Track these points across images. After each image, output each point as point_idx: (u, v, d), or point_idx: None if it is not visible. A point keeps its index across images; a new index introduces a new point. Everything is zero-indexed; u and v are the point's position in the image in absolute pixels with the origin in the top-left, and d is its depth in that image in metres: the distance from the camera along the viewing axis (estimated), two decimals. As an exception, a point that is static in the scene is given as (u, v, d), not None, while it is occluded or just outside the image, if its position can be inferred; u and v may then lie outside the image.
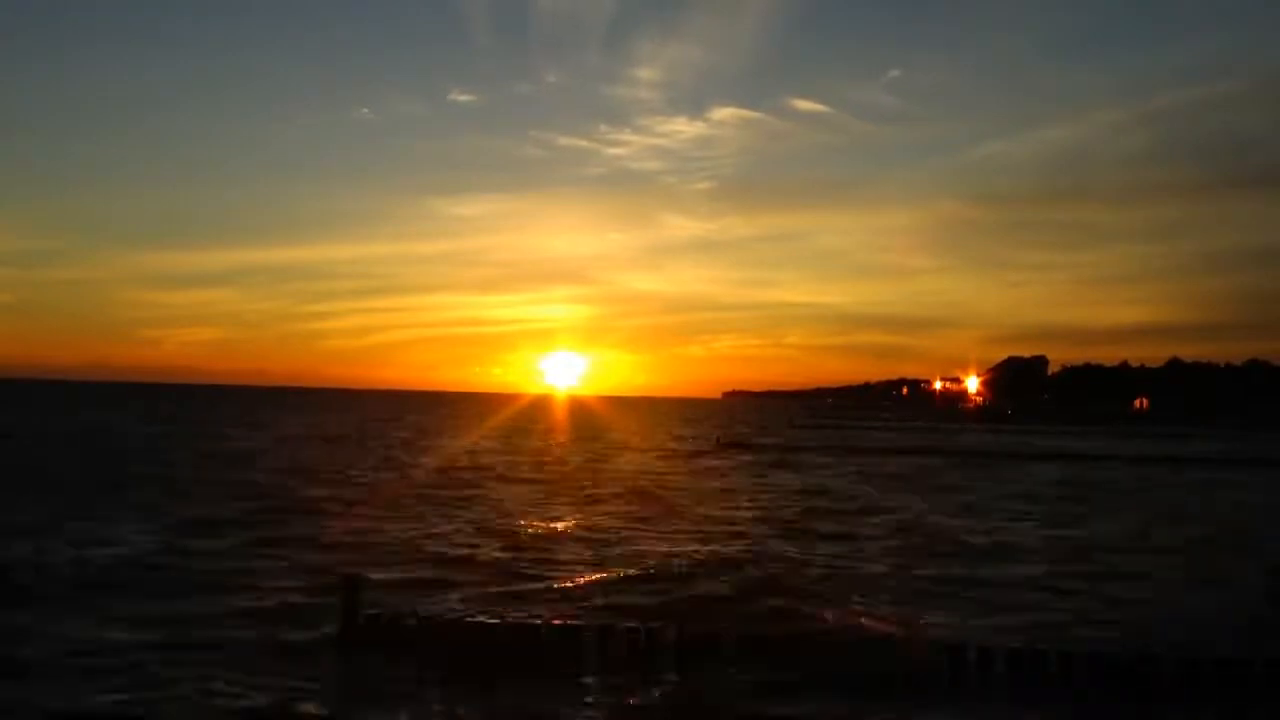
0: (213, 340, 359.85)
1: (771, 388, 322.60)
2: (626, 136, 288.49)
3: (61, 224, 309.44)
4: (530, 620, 12.86)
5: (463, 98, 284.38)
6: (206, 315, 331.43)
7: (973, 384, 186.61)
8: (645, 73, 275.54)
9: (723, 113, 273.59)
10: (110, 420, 76.34)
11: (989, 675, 11.07)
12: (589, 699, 10.50)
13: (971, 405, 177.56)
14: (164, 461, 38.82)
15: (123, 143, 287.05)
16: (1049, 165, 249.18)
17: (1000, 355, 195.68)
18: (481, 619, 12.72)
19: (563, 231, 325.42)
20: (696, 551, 19.42)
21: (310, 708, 10.03)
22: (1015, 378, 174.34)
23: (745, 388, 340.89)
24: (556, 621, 12.68)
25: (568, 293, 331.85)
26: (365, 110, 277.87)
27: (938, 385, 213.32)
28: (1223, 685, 10.81)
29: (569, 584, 16.15)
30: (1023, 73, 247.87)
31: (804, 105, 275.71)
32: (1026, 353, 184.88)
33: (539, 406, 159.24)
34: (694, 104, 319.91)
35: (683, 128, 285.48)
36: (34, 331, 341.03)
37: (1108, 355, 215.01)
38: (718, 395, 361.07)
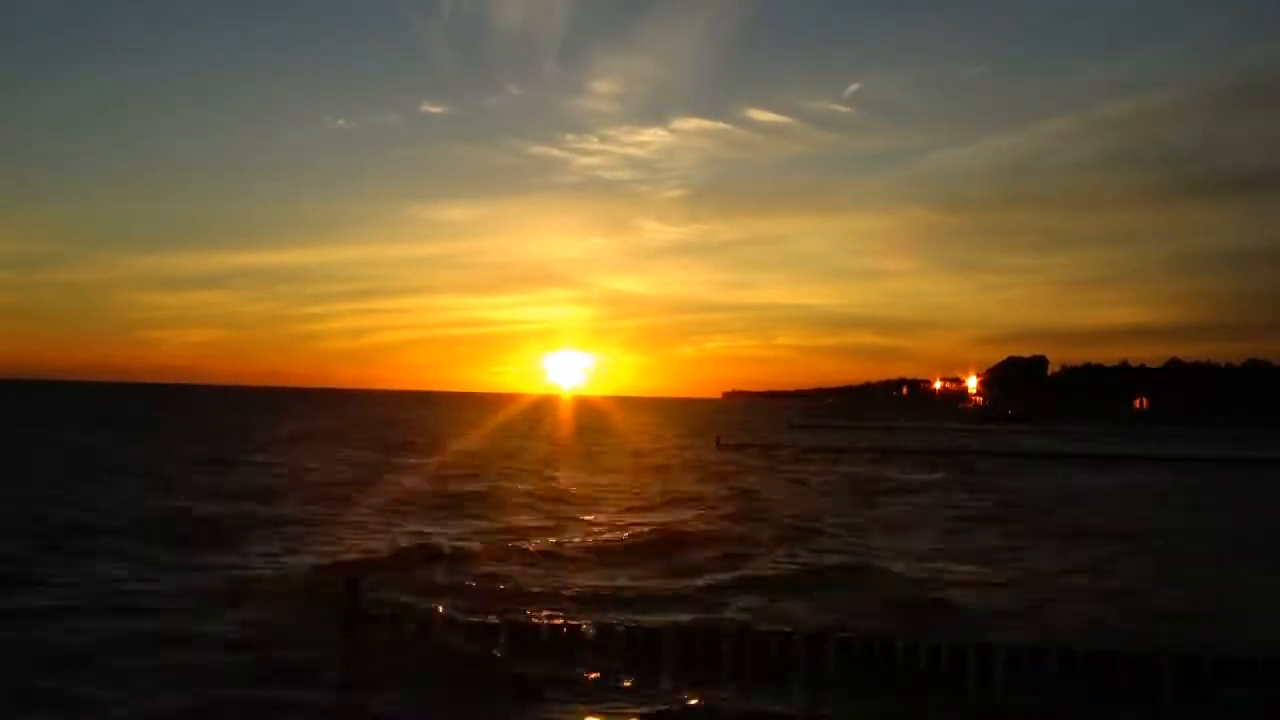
0: (211, 341, 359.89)
1: (770, 388, 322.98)
2: (595, 146, 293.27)
3: (61, 228, 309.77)
4: (529, 620, 12.89)
5: (434, 109, 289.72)
6: (204, 317, 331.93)
7: (973, 384, 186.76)
8: (603, 85, 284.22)
9: (686, 123, 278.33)
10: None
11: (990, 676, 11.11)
12: (586, 697, 10.53)
13: (971, 405, 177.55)
14: None
15: (120, 149, 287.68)
16: (1005, 173, 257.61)
17: (990, 355, 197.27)
18: (480, 619, 12.74)
19: (547, 236, 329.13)
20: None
21: (312, 703, 10.07)
22: (1015, 378, 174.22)
23: (745, 388, 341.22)
24: (557, 621, 12.71)
25: (558, 295, 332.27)
26: (341, 121, 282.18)
27: (937, 385, 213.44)
28: (1222, 685, 10.83)
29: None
30: (972, 85, 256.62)
31: (763, 116, 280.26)
32: (1016, 353, 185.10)
33: (541, 408, 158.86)
34: (654, 115, 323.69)
35: (649, 138, 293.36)
36: (35, 333, 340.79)
37: (1097, 355, 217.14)
38: (718, 395, 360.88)
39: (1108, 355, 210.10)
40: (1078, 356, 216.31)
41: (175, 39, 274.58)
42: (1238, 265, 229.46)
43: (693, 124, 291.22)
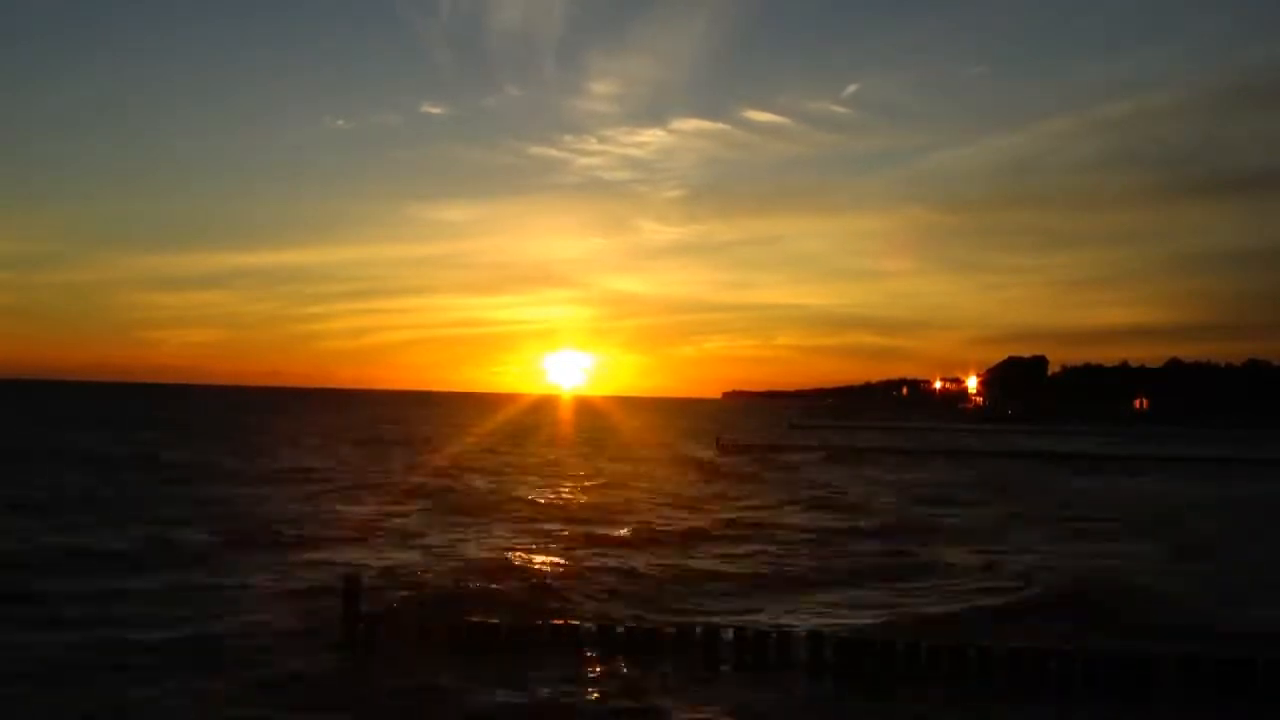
0: (211, 341, 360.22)
1: (770, 388, 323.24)
2: (594, 146, 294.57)
3: (61, 228, 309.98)
4: (529, 620, 12.89)
5: (433, 109, 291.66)
6: (204, 317, 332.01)
7: (973, 384, 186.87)
8: (602, 86, 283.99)
9: (685, 124, 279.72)
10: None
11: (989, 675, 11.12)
12: (583, 697, 10.53)
13: (971, 406, 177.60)
14: None
15: (120, 149, 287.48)
16: (1005, 173, 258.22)
17: (990, 355, 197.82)
18: (479, 618, 12.74)
19: (546, 236, 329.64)
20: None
21: (312, 707, 10.08)
22: (1015, 378, 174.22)
23: (745, 388, 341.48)
24: (556, 621, 12.72)
25: (558, 295, 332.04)
26: (340, 121, 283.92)
27: (938, 385, 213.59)
28: (1222, 685, 10.83)
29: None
30: (972, 85, 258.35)
31: (762, 117, 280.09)
32: (1016, 353, 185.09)
33: (542, 408, 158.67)
34: (653, 115, 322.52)
35: (647, 138, 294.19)
36: (35, 333, 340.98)
37: (1097, 355, 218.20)
38: (718, 395, 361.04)
39: (1108, 355, 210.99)
40: (1078, 356, 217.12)
41: (175, 39, 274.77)
42: (1238, 265, 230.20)
43: (691, 124, 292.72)
